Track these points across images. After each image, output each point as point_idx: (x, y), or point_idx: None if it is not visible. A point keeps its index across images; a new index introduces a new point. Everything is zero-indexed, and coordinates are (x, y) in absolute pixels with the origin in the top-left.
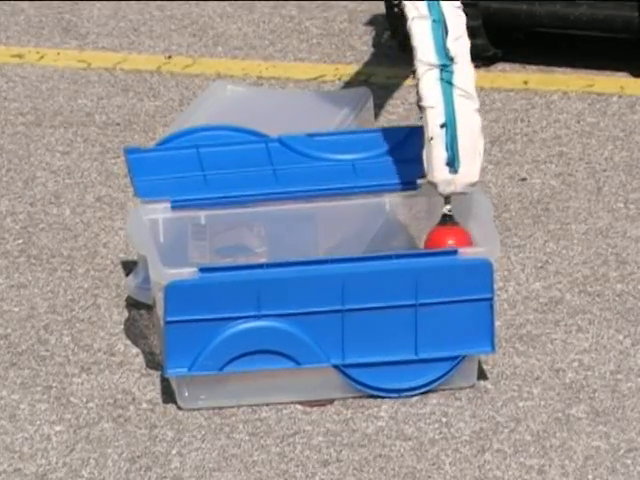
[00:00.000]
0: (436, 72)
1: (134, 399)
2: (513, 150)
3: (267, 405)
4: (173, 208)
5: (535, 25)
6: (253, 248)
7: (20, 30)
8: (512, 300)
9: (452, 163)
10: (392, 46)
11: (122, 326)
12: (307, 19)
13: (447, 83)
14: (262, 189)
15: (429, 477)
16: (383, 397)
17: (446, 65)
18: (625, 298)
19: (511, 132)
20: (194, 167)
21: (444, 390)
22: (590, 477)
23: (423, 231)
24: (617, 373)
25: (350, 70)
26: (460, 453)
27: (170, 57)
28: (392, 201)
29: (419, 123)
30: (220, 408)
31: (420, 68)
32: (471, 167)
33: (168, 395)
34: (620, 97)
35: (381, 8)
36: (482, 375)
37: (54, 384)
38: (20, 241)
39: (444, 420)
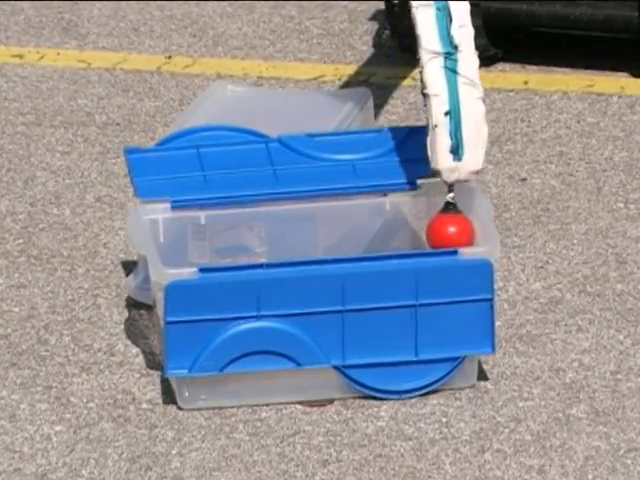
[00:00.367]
0: (440, 60)
1: (134, 399)
2: (513, 150)
3: (267, 405)
4: (173, 208)
5: (535, 25)
6: (253, 248)
7: (20, 30)
8: (512, 300)
9: (456, 151)
10: (392, 46)
11: (122, 326)
12: (307, 19)
13: (451, 71)
14: (262, 189)
15: (429, 477)
16: (383, 399)
17: (450, 53)
18: (625, 298)
19: (511, 132)
20: (194, 167)
21: (444, 390)
22: (590, 477)
23: (423, 231)
24: (617, 373)
25: (350, 70)
26: (460, 453)
27: (170, 57)
28: (392, 201)
29: (419, 123)
30: (220, 408)
31: (424, 56)
32: (475, 155)
33: (168, 395)
34: (620, 97)
35: (381, 8)
36: (482, 375)
37: (54, 384)
38: (20, 241)
39: (444, 420)
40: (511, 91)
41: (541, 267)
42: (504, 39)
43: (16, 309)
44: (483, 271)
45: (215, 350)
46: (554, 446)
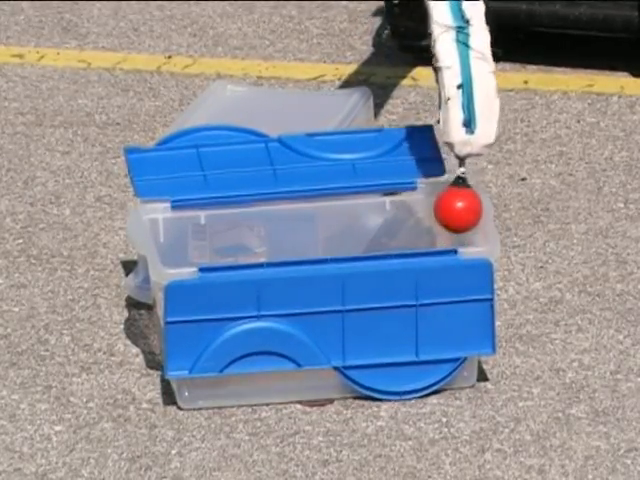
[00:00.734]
0: (452, 34)
1: (134, 399)
2: (513, 150)
3: (267, 405)
4: (173, 208)
5: (535, 25)
6: (253, 248)
7: (20, 30)
8: (512, 300)
9: (469, 124)
10: (392, 46)
11: (122, 326)
12: (307, 19)
13: (463, 44)
14: (262, 189)
15: (429, 477)
16: (383, 400)
17: (462, 27)
18: (625, 298)
19: (511, 132)
20: (194, 167)
21: (444, 390)
22: (590, 477)
23: (423, 231)
24: (617, 373)
25: (350, 70)
26: (460, 453)
27: (170, 57)
28: (392, 201)
29: (419, 123)
30: (220, 408)
31: (436, 30)
32: (487, 128)
33: (168, 395)
34: (620, 97)
35: (381, 8)
36: (482, 375)
37: (54, 384)
38: (20, 241)
39: (444, 420)
40: (511, 91)
41: (541, 267)
42: (504, 39)
43: (16, 309)
44: (483, 271)
45: (215, 350)
46: (554, 446)
